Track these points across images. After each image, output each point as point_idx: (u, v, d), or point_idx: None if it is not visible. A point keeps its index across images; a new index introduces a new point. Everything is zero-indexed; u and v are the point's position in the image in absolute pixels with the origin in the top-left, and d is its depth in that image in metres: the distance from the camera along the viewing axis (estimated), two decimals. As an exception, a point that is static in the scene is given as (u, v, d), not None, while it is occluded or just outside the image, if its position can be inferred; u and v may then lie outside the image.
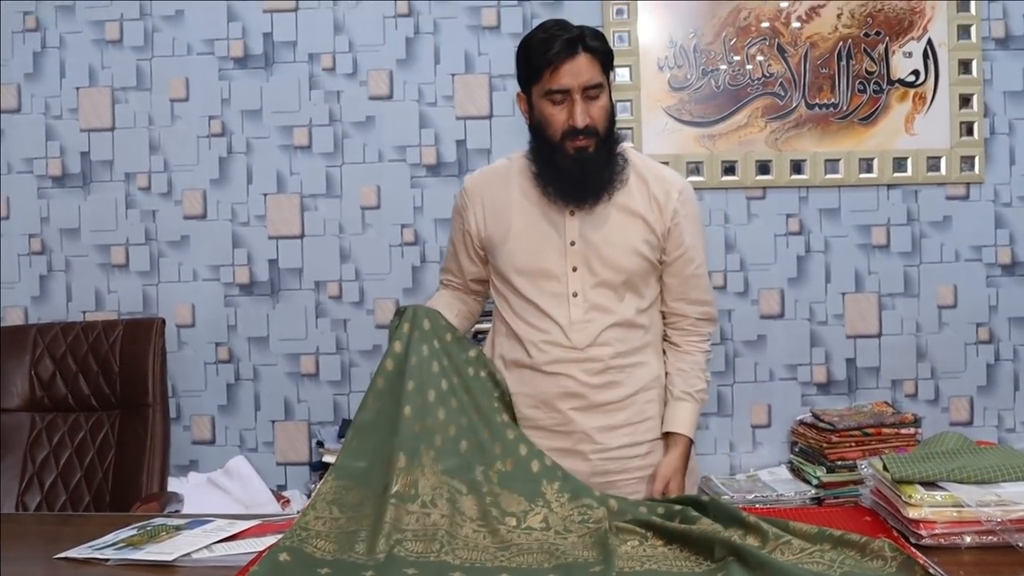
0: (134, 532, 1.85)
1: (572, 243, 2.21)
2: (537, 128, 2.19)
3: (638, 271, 2.22)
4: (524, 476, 1.91)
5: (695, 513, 1.75)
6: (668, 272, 2.28)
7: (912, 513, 1.68)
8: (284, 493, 3.44)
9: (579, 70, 2.09)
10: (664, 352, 2.33)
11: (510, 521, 1.80)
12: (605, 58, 2.15)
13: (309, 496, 3.36)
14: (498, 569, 1.63)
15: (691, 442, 2.27)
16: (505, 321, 2.29)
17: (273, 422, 3.57)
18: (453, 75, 3.51)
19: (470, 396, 2.01)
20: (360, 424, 1.97)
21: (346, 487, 1.86)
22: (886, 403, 3.41)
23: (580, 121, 2.10)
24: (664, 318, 2.33)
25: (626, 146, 2.28)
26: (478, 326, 3.06)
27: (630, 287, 2.23)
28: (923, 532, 1.66)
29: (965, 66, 3.42)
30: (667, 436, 2.27)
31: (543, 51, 2.10)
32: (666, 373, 2.31)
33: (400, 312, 2.09)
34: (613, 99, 2.22)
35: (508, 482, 1.89)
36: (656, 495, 2.14)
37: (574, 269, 2.21)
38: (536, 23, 2.38)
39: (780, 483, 3.30)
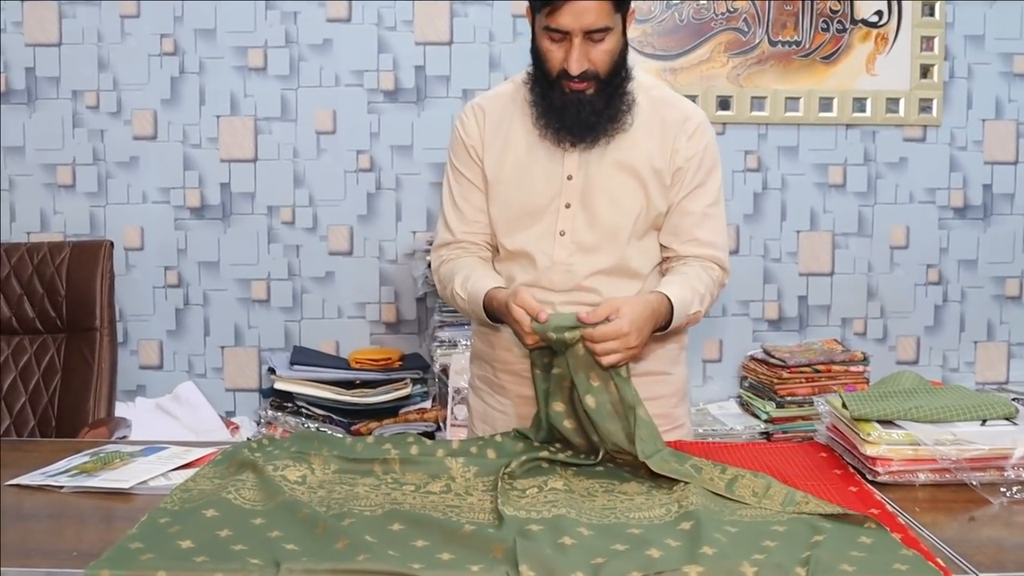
0: (87, 459, 1.82)
1: (569, 177, 2.01)
2: (536, 56, 1.98)
3: (642, 209, 2.02)
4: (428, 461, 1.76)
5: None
6: (676, 210, 2.04)
7: (869, 450, 1.69)
8: (233, 419, 3.42)
9: (581, 11, 1.84)
10: None
11: (408, 488, 1.66)
12: None
13: (259, 423, 3.34)
14: (391, 515, 1.50)
15: (670, 319, 1.95)
16: None
17: (222, 348, 3.52)
18: (413, -1, 3.43)
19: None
20: None
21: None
22: (836, 341, 3.45)
23: (575, 68, 1.89)
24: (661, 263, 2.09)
25: (640, 77, 2.04)
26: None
27: (632, 227, 2.02)
28: (879, 469, 1.68)
29: (928, 8, 3.42)
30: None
31: None
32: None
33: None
34: (627, 35, 1.98)
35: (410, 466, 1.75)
36: (594, 319, 1.75)
37: (567, 206, 2.01)
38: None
39: (729, 417, 3.35)
